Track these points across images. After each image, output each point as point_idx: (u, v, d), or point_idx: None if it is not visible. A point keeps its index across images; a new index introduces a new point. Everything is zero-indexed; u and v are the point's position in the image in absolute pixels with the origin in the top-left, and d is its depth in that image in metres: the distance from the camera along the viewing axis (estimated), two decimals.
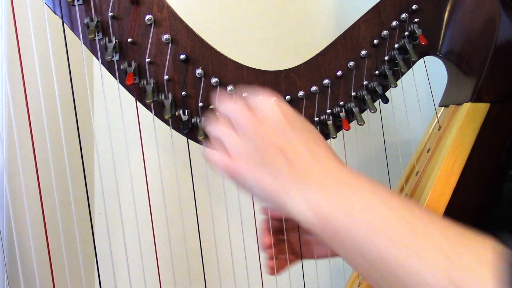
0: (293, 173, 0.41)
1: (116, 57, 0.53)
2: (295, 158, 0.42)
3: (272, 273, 0.61)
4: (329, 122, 0.59)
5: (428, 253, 0.34)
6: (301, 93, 0.59)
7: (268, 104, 0.44)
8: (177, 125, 0.56)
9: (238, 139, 0.43)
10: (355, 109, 0.60)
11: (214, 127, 0.46)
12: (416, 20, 0.61)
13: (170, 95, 0.55)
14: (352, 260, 0.39)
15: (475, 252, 0.34)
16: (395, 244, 0.36)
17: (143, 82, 0.54)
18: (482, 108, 0.59)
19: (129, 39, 0.53)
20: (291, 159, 0.42)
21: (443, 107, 0.68)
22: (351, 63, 0.60)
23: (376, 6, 0.60)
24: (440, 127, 0.65)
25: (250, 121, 0.43)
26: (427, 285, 0.34)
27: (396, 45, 0.60)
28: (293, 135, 0.43)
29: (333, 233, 0.39)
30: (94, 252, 0.56)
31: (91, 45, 0.54)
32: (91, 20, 0.52)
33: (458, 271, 0.33)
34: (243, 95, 0.49)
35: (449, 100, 0.67)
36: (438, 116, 0.68)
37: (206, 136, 0.55)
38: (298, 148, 0.42)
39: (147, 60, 0.54)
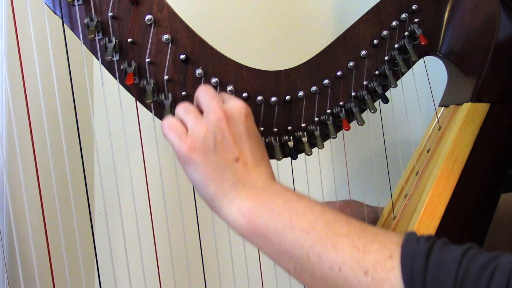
0: (234, 176, 0.46)
1: (116, 57, 0.53)
2: (240, 163, 0.46)
3: None
4: (329, 122, 0.59)
5: (343, 246, 0.39)
6: (301, 93, 0.59)
7: (238, 105, 0.47)
8: None
9: (200, 124, 0.46)
10: (355, 109, 0.59)
11: (183, 106, 0.49)
12: (416, 20, 0.61)
13: (170, 95, 0.55)
14: (275, 253, 0.43)
15: (386, 247, 0.38)
16: (314, 237, 0.40)
17: (143, 82, 0.54)
18: (482, 108, 0.59)
19: (129, 39, 0.53)
20: (237, 163, 0.46)
21: (443, 107, 0.68)
22: (351, 63, 0.60)
23: (376, 6, 0.60)
24: (440, 127, 0.65)
25: (217, 113, 0.46)
26: (342, 273, 0.38)
27: (396, 45, 0.60)
28: (247, 140, 0.47)
29: (259, 228, 0.43)
30: (94, 252, 0.56)
31: (91, 45, 0.54)
32: (91, 20, 0.52)
33: (370, 262, 0.38)
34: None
35: (449, 100, 0.67)
36: (438, 116, 0.68)
37: None
38: (247, 154, 0.47)
39: (147, 60, 0.54)
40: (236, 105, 0.47)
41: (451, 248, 0.37)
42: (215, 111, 0.46)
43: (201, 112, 0.48)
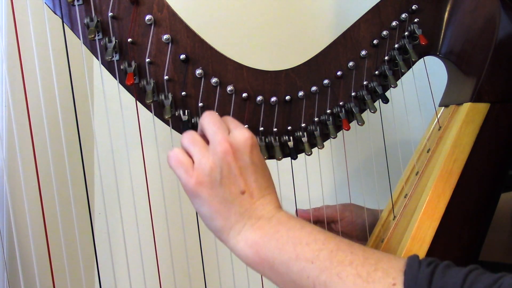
0: (240, 209, 0.46)
1: (116, 57, 0.53)
2: (246, 195, 0.47)
3: None
4: (329, 122, 0.59)
5: (347, 276, 0.40)
6: (301, 93, 0.59)
7: (244, 137, 0.47)
8: (177, 125, 0.56)
9: (206, 157, 0.46)
10: (355, 109, 0.60)
11: (189, 136, 0.48)
12: (416, 20, 0.61)
13: (170, 95, 0.55)
14: (282, 283, 0.44)
15: (389, 275, 0.39)
16: (319, 267, 0.41)
17: (143, 82, 0.54)
18: (482, 108, 0.59)
19: (129, 39, 0.53)
20: (243, 195, 0.47)
21: (443, 107, 0.68)
22: (351, 63, 0.60)
23: (376, 6, 0.60)
24: (440, 127, 0.65)
25: (223, 146, 0.46)
26: None
27: (396, 45, 0.60)
28: (253, 172, 0.47)
29: (265, 259, 0.44)
30: (94, 252, 0.56)
31: (91, 45, 0.54)
32: (91, 20, 0.52)
33: None
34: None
35: (449, 100, 0.67)
36: (438, 116, 0.68)
37: None
38: (252, 186, 0.47)
39: (147, 60, 0.54)
40: (242, 136, 0.47)
41: (453, 272, 0.38)
42: (221, 144, 0.46)
43: (205, 139, 0.48)
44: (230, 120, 0.50)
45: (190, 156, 0.47)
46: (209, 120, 0.48)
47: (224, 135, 0.46)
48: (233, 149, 0.46)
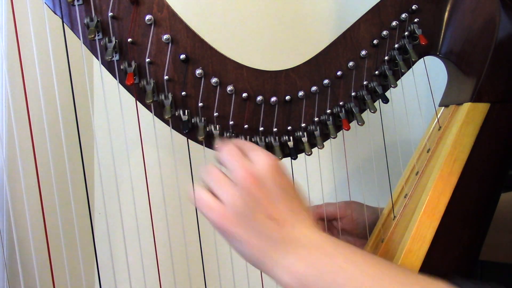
0: (276, 238, 0.45)
1: (116, 57, 0.53)
2: (279, 222, 0.45)
3: None
4: (329, 122, 0.59)
5: None
6: (301, 93, 0.59)
7: (264, 162, 0.46)
8: (177, 125, 0.56)
9: (231, 194, 0.45)
10: (355, 109, 0.60)
11: (211, 174, 0.47)
12: (416, 20, 0.61)
13: (170, 95, 0.55)
14: None
15: None
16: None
17: (143, 82, 0.54)
18: (482, 108, 0.59)
19: (129, 39, 0.54)
20: (276, 223, 0.45)
21: (443, 107, 0.68)
22: (351, 63, 0.60)
23: (376, 6, 0.60)
24: (440, 127, 0.65)
25: (246, 179, 0.45)
26: None
27: (396, 45, 0.60)
28: (281, 197, 0.46)
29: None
30: (94, 252, 0.56)
31: (91, 45, 0.54)
32: (91, 20, 0.52)
33: None
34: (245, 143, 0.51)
35: (449, 100, 0.67)
36: (438, 116, 0.68)
37: (206, 136, 0.55)
38: (283, 211, 0.46)
39: (147, 60, 0.54)
40: (263, 164, 0.46)
41: None
42: (243, 177, 0.45)
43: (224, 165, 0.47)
44: (248, 146, 0.49)
45: (214, 194, 0.46)
46: (227, 154, 0.47)
47: (244, 167, 0.46)
48: (256, 179, 0.45)
